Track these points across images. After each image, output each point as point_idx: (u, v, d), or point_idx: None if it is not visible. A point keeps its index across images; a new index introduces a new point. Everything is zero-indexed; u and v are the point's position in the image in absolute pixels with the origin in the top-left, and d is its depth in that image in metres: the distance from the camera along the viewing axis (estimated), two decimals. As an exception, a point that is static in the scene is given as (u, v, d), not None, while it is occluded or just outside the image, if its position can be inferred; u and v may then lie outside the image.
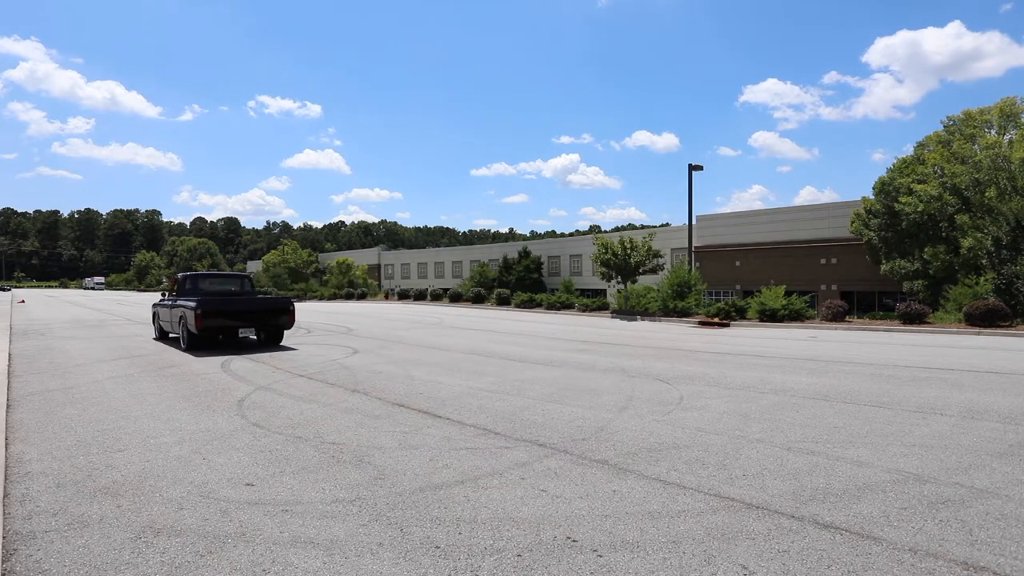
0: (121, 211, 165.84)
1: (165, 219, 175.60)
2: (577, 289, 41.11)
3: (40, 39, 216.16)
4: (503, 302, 34.18)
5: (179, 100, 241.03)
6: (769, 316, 20.28)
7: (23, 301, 42.49)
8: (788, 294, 21.39)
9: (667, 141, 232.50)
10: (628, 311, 25.11)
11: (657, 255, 26.58)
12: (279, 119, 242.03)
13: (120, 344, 14.24)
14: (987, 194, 20.42)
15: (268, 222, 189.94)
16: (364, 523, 3.62)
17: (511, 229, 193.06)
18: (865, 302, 31.05)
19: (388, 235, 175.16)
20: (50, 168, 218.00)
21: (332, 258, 68.66)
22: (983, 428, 5.73)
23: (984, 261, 19.99)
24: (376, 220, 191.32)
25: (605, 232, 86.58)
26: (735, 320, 20.85)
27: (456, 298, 38.66)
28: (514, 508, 3.84)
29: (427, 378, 9.06)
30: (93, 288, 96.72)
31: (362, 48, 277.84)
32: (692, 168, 27.55)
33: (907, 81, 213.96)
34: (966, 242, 20.49)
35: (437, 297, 41.77)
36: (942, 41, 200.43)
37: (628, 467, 4.65)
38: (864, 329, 17.50)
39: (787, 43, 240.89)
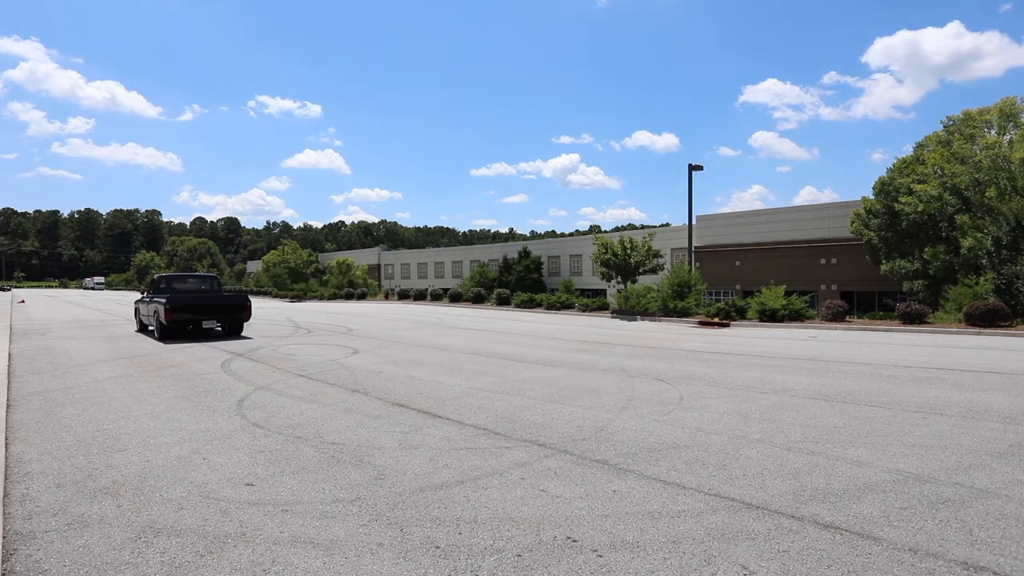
0: (121, 211, 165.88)
1: (165, 219, 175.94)
2: (577, 289, 41.11)
3: (40, 39, 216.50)
4: (503, 302, 34.16)
5: (179, 100, 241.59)
6: (769, 316, 20.27)
7: (23, 301, 42.47)
8: (788, 294, 21.37)
9: (667, 141, 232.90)
10: (628, 311, 25.11)
11: (657, 255, 26.57)
12: (279, 119, 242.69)
13: (120, 344, 14.25)
14: (987, 194, 20.42)
15: (268, 222, 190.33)
16: (364, 523, 3.62)
17: (511, 229, 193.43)
18: (865, 302, 31.06)
19: (388, 235, 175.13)
20: (50, 168, 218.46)
21: (332, 258, 68.68)
22: (983, 428, 5.73)
23: (984, 261, 19.99)
24: (376, 220, 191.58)
25: (605, 232, 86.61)
26: (735, 320, 20.84)
27: (456, 298, 38.64)
28: (514, 508, 3.84)
29: (427, 378, 9.06)
30: (93, 288, 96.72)
31: (362, 48, 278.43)
32: (692, 168, 27.55)
33: (907, 81, 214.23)
34: (966, 242, 20.49)
35: (437, 297, 41.74)
36: (942, 41, 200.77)
37: (628, 467, 4.65)
38: (864, 329, 17.49)
39: (787, 43, 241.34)
